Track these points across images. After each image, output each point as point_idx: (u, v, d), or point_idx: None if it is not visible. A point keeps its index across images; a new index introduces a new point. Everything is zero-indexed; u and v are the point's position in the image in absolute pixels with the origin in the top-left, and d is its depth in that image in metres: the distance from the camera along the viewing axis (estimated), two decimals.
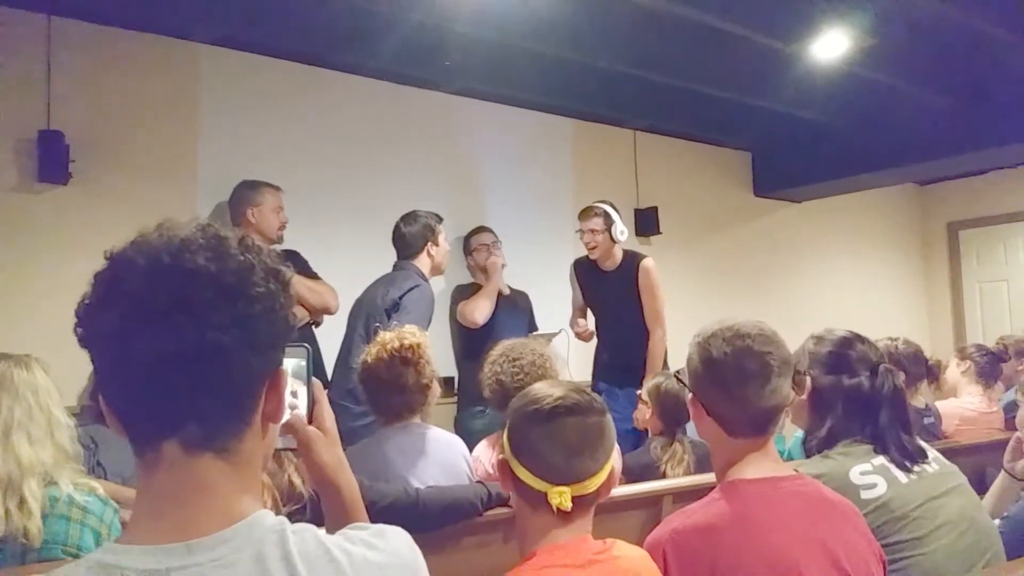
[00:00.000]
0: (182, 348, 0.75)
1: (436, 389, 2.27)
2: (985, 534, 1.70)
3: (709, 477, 1.76)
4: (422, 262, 3.46)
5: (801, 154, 5.66)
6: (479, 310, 3.97)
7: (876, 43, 3.88)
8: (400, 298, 3.21)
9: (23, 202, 3.31)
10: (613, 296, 3.94)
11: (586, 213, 3.91)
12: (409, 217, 3.53)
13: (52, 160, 3.30)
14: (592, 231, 3.86)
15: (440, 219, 3.56)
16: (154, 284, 0.76)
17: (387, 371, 2.18)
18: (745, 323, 1.48)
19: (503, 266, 4.19)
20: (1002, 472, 2.18)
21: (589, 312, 4.12)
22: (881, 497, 1.61)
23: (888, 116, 5.06)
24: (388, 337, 2.22)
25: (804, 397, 1.78)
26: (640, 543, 1.37)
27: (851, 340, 1.81)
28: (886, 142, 5.21)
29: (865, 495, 1.61)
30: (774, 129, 5.42)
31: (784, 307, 5.67)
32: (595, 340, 4.09)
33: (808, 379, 1.78)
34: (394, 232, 3.54)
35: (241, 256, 0.79)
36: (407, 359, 2.17)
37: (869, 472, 1.65)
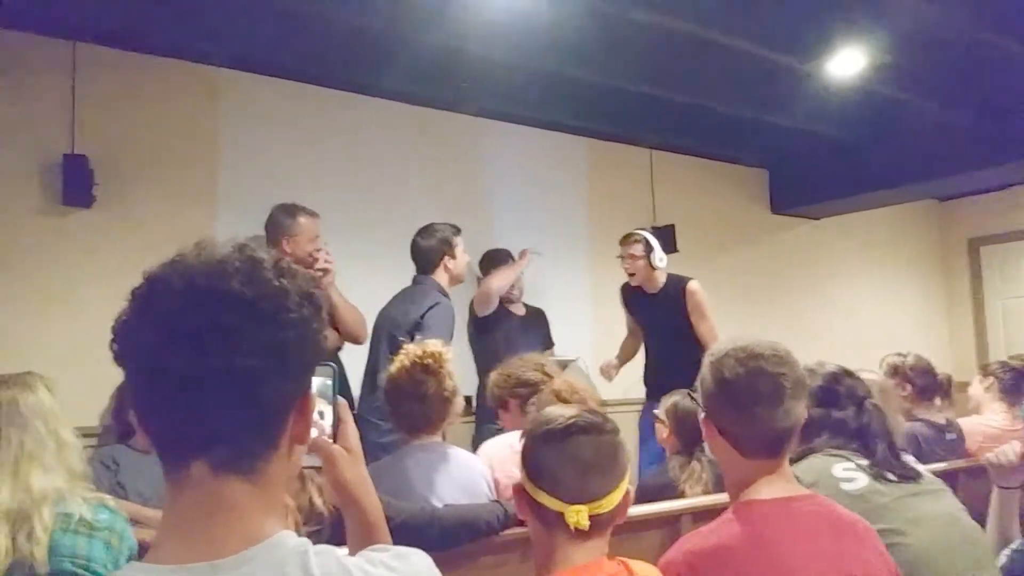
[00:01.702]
0: (213, 371, 0.76)
1: (458, 404, 2.27)
2: (970, 532, 1.75)
3: (727, 496, 1.75)
4: (440, 275, 3.46)
5: (818, 171, 5.64)
6: (495, 278, 4.04)
7: (893, 60, 3.88)
8: (421, 317, 3.22)
9: (48, 224, 3.37)
10: (659, 319, 4.06)
11: (627, 239, 4.03)
12: (426, 231, 3.52)
13: (76, 183, 3.36)
14: (632, 256, 3.99)
15: (458, 230, 3.55)
16: (189, 306, 0.77)
17: (409, 380, 2.18)
18: (759, 343, 1.47)
19: (520, 291, 4.23)
20: (995, 489, 2.15)
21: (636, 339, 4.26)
22: (860, 489, 1.68)
23: (906, 132, 5.04)
24: (411, 348, 2.24)
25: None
26: (658, 563, 1.37)
27: (839, 375, 1.88)
28: (905, 158, 5.18)
29: (845, 487, 1.68)
30: (791, 146, 5.41)
31: (803, 325, 5.64)
32: (643, 359, 4.21)
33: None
34: (412, 246, 3.54)
35: (276, 281, 0.81)
36: (428, 367, 2.18)
37: (851, 469, 1.73)
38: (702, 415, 1.53)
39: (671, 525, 2.24)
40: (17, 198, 3.32)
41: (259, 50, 3.70)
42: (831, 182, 5.62)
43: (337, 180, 4.11)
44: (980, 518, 2.13)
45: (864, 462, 1.74)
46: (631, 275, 4.02)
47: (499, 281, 4.05)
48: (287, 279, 0.81)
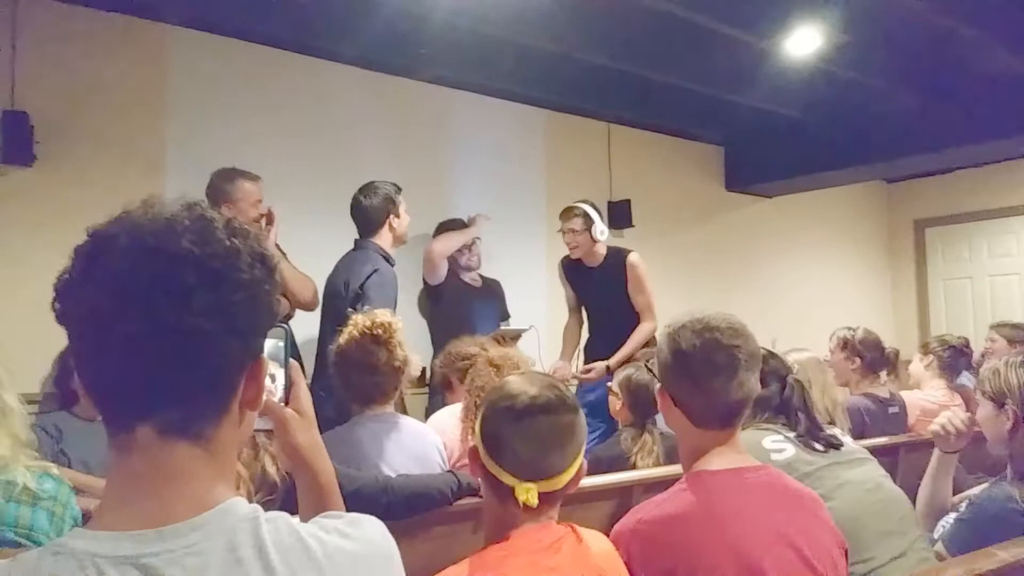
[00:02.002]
0: (162, 331, 0.73)
1: (410, 372, 2.26)
2: (893, 496, 1.87)
3: (678, 468, 1.78)
4: (383, 237, 3.35)
5: (773, 149, 5.71)
6: (438, 241, 4.01)
7: (848, 40, 3.93)
8: (361, 287, 3.16)
9: None
10: (600, 292, 4.01)
11: (567, 213, 3.96)
12: (368, 188, 3.38)
13: (16, 141, 3.24)
14: (572, 231, 3.92)
15: (399, 189, 3.43)
16: (137, 264, 0.74)
17: (358, 351, 2.16)
18: (715, 316, 1.49)
19: (476, 256, 4.20)
20: (935, 452, 2.22)
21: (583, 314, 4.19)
22: (788, 459, 1.80)
23: (858, 113, 5.12)
24: (359, 319, 2.21)
25: None
26: (609, 533, 1.39)
27: (764, 356, 1.90)
28: (856, 139, 5.27)
29: (774, 457, 1.78)
30: (746, 124, 5.46)
31: (755, 300, 5.73)
32: (586, 333, 4.16)
33: None
34: (353, 205, 3.40)
35: (228, 241, 0.78)
36: (378, 338, 2.16)
37: (779, 440, 1.86)
38: (657, 386, 1.54)
39: (622, 496, 2.27)
40: None
41: (211, 8, 3.59)
42: (784, 161, 5.70)
43: (290, 145, 4.03)
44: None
45: (791, 434, 1.88)
46: (573, 248, 3.96)
47: (441, 244, 3.99)
48: (239, 239, 0.78)
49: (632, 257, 3.94)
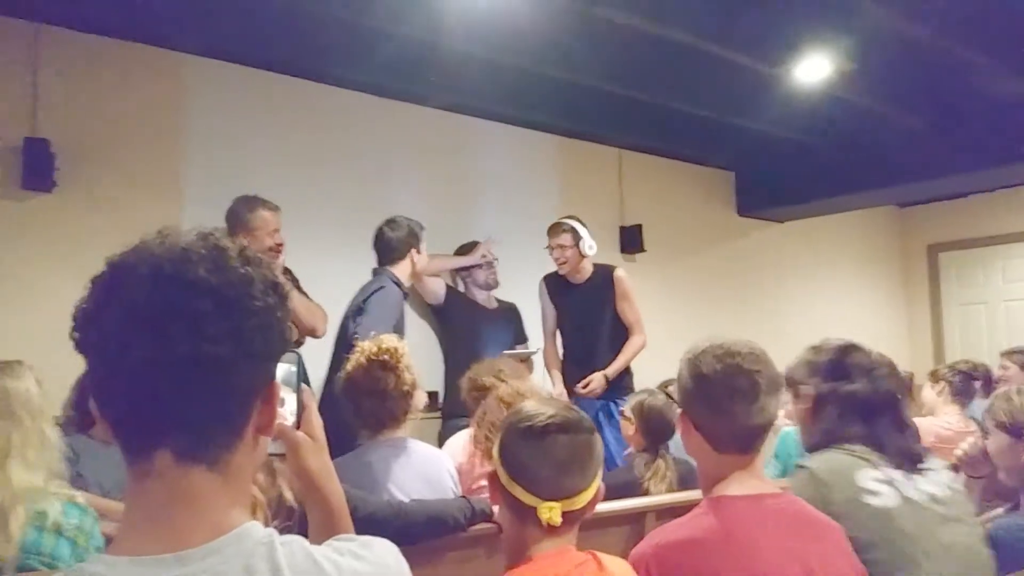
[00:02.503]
0: (177, 358, 0.75)
1: (419, 398, 2.26)
2: (983, 568, 1.68)
3: (692, 494, 1.78)
4: (402, 268, 3.44)
5: (784, 174, 5.72)
6: (434, 259, 3.89)
7: (858, 66, 3.95)
8: (364, 301, 3.19)
9: (7, 209, 3.29)
10: (584, 308, 4.01)
11: (554, 230, 3.99)
12: (393, 222, 3.52)
13: (37, 167, 3.28)
14: (561, 247, 3.95)
15: (423, 227, 3.55)
16: (153, 293, 0.76)
17: (366, 377, 2.17)
18: (736, 342, 1.50)
19: (493, 276, 4.20)
20: (963, 476, 2.20)
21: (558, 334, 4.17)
22: (887, 507, 1.60)
23: (869, 138, 5.12)
24: (366, 345, 2.21)
25: (805, 407, 1.83)
26: (629, 555, 1.39)
27: (848, 348, 1.86)
28: (867, 164, 5.28)
29: (868, 499, 1.60)
30: (757, 149, 5.48)
31: (766, 326, 5.71)
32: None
33: (809, 388, 1.82)
34: (376, 236, 3.50)
35: (241, 269, 0.80)
36: (386, 363, 2.16)
37: (879, 480, 1.64)
38: (678, 411, 1.55)
39: (635, 522, 2.26)
40: None
41: (228, 38, 3.65)
42: (795, 186, 5.71)
43: (305, 172, 4.07)
44: None
45: (885, 470, 1.66)
46: (561, 264, 3.97)
47: (431, 262, 3.86)
48: (252, 267, 0.81)
49: (619, 271, 3.99)
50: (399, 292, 3.35)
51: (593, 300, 3.97)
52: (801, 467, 1.72)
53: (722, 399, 1.46)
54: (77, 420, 2.78)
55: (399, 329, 3.15)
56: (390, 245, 3.46)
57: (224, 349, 0.76)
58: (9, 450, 1.71)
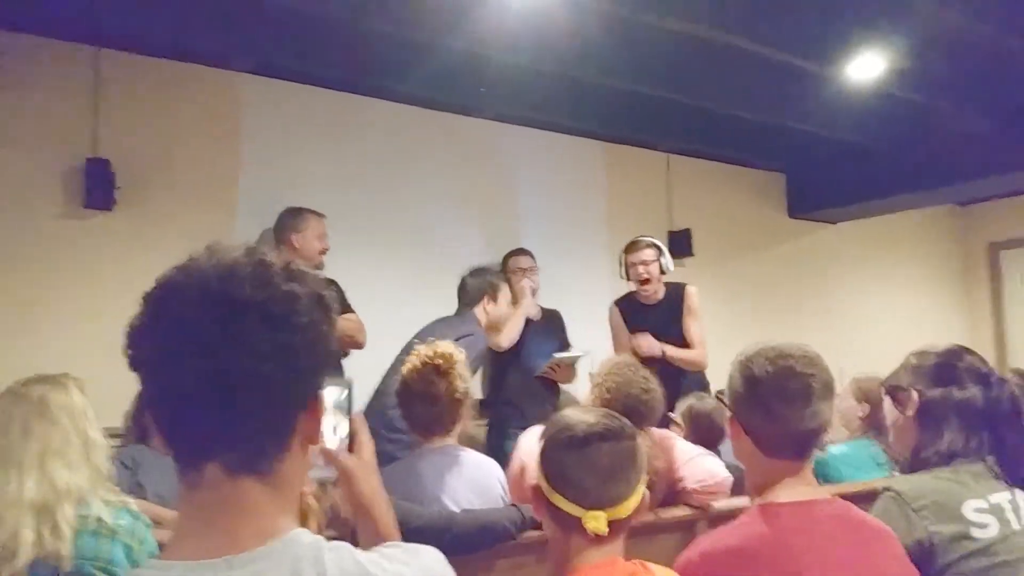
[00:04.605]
0: (225, 375, 0.78)
1: (469, 406, 2.27)
2: None
3: (742, 501, 1.75)
4: (479, 314, 3.55)
5: (836, 175, 5.62)
6: (504, 335, 3.89)
7: (912, 64, 3.86)
8: (456, 340, 3.22)
9: (70, 227, 3.41)
10: (657, 327, 3.91)
11: (635, 246, 3.88)
12: (477, 269, 3.68)
13: (98, 187, 3.41)
14: (644, 263, 3.83)
15: (506, 281, 3.69)
16: (201, 312, 0.79)
17: (420, 381, 2.18)
18: (788, 344, 1.47)
19: (534, 291, 4.17)
20: None
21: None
22: (991, 540, 1.51)
23: (926, 136, 5.00)
24: (422, 349, 2.23)
25: (911, 415, 1.71)
26: (675, 563, 1.38)
27: (958, 351, 1.74)
28: (924, 163, 5.15)
29: (976, 534, 1.51)
30: (809, 150, 5.39)
31: (820, 330, 5.61)
32: None
33: (914, 394, 1.71)
34: (461, 282, 3.67)
35: (285, 285, 0.82)
36: (439, 368, 2.17)
37: (984, 510, 1.54)
38: (728, 414, 1.53)
39: (686, 529, 2.24)
40: (40, 201, 3.37)
41: (280, 56, 3.73)
42: (849, 186, 5.59)
43: (355, 184, 4.14)
44: None
45: (996, 496, 1.55)
46: (645, 282, 3.84)
47: (507, 336, 3.81)
48: (297, 283, 0.83)
49: (691, 288, 3.92)
50: (484, 342, 3.47)
51: (667, 320, 3.88)
52: (890, 491, 1.60)
53: (773, 402, 1.42)
54: (136, 432, 2.87)
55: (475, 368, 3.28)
56: (465, 289, 3.61)
57: (271, 366, 0.79)
58: (47, 450, 1.76)
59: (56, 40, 3.41)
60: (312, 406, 0.86)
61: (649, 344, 3.72)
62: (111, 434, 2.06)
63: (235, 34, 3.51)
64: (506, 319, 3.66)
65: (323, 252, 3.60)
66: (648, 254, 3.84)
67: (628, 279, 3.93)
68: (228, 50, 3.67)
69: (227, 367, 0.78)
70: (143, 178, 3.56)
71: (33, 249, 3.33)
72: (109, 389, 2.59)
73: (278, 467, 0.83)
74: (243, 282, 0.80)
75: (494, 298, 3.56)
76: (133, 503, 1.85)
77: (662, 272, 3.85)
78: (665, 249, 3.90)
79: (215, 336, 0.78)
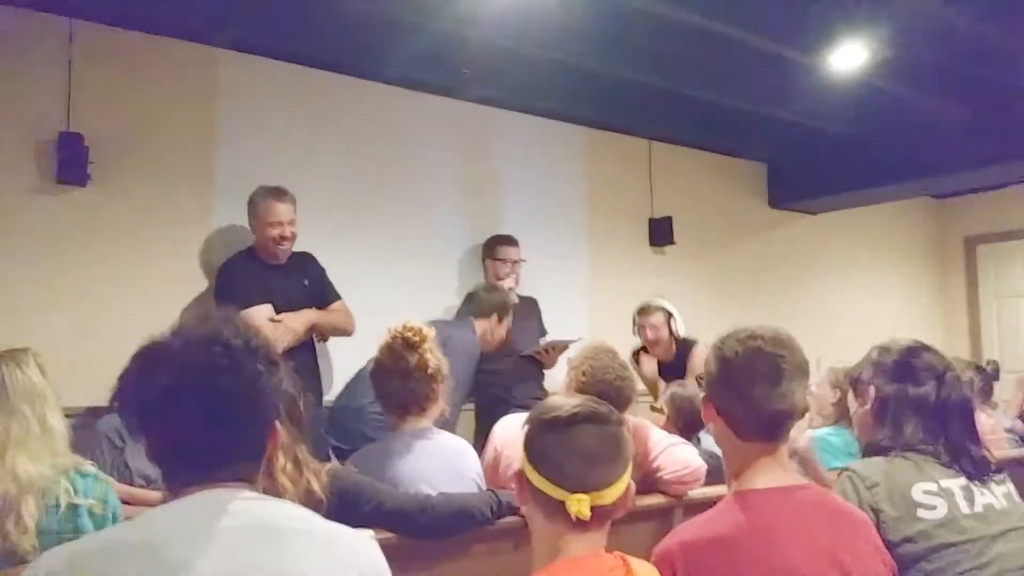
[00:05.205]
0: (210, 422, 1.03)
1: (444, 385, 2.25)
2: None
3: (720, 489, 1.75)
4: (481, 325, 3.63)
5: (817, 165, 5.64)
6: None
7: (893, 54, 3.87)
8: (450, 335, 3.21)
9: (42, 202, 3.34)
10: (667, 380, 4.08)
11: (646, 310, 4.12)
12: (493, 287, 3.83)
13: (71, 161, 3.33)
14: (653, 327, 4.09)
15: (513, 308, 3.77)
16: (182, 374, 1.03)
17: (391, 356, 2.17)
18: (761, 327, 1.48)
19: (511, 289, 4.15)
20: None
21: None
22: (939, 520, 1.56)
23: (906, 128, 5.02)
24: (394, 327, 2.22)
25: (868, 407, 1.79)
26: (649, 554, 1.37)
27: (917, 349, 1.80)
28: (903, 154, 5.17)
29: (923, 515, 1.57)
30: (790, 140, 5.40)
31: (799, 319, 5.64)
32: None
33: (872, 388, 1.78)
34: (472, 293, 3.77)
35: (254, 366, 1.07)
36: (409, 341, 2.16)
37: (933, 493, 1.60)
38: (702, 395, 1.53)
39: (663, 517, 2.24)
40: (11, 175, 3.29)
41: (260, 32, 3.67)
42: (829, 177, 5.61)
43: (335, 164, 4.09)
44: None
45: (947, 482, 1.62)
46: (653, 344, 4.10)
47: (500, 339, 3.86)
48: (259, 357, 1.08)
49: (699, 347, 4.05)
50: (478, 350, 3.54)
51: (677, 373, 4.06)
52: (847, 471, 1.66)
53: (743, 382, 1.43)
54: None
55: (468, 381, 3.40)
56: (477, 300, 3.70)
57: (244, 414, 1.06)
58: (10, 442, 1.73)
59: (29, 10, 3.33)
60: (273, 432, 1.11)
61: None
62: (78, 413, 2.03)
63: (214, 9, 3.44)
64: (499, 343, 3.75)
65: (281, 239, 3.43)
66: (657, 318, 4.10)
67: (639, 337, 4.21)
68: (206, 25, 3.60)
69: (210, 418, 1.05)
70: (117, 153, 3.49)
71: (5, 224, 3.26)
72: (80, 365, 2.56)
73: (256, 475, 1.12)
74: (221, 372, 1.05)
75: (501, 320, 3.67)
76: (90, 464, 1.84)
77: (672, 335, 4.09)
78: (676, 314, 4.10)
79: (196, 391, 1.04)
